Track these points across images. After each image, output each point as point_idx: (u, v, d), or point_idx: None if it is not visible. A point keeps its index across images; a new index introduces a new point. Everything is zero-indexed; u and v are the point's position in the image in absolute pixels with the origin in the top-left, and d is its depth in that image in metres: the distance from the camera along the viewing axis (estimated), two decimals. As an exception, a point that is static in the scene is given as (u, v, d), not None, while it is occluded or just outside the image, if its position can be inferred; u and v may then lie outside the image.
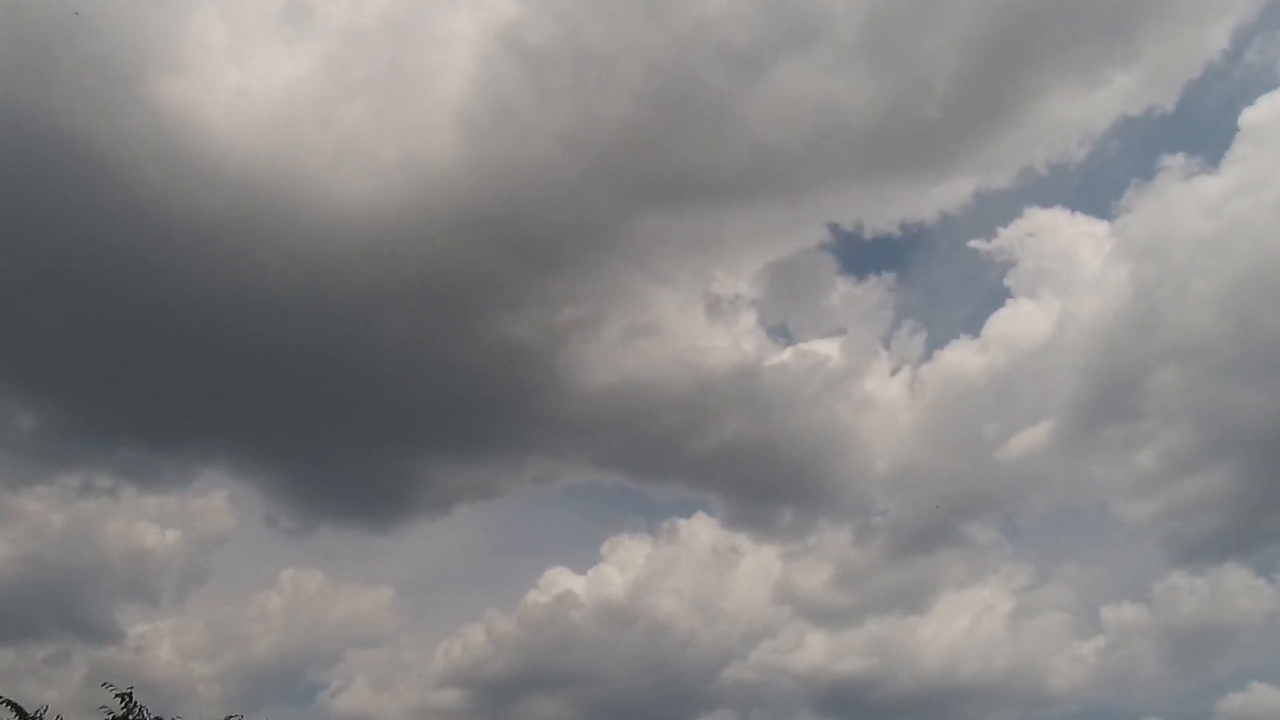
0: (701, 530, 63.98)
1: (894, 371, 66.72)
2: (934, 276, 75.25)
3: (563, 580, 58.87)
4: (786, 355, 64.73)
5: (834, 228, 65.43)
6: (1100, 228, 65.11)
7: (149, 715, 17.31)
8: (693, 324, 63.13)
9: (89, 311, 48.43)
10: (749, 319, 66.05)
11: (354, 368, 54.77)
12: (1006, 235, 65.63)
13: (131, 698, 17.22)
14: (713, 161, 55.68)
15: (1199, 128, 69.78)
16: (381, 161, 50.06)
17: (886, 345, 68.24)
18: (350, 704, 54.26)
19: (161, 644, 53.27)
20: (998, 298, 68.35)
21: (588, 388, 59.95)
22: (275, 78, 48.92)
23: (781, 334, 71.96)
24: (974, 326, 75.27)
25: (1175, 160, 62.63)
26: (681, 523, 65.45)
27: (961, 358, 64.12)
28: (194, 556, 58.77)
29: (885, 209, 64.51)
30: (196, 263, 47.99)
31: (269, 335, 51.18)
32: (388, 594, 62.22)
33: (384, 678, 56.99)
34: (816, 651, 56.41)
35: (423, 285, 53.14)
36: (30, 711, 16.85)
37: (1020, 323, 62.98)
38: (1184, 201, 58.33)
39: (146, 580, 57.00)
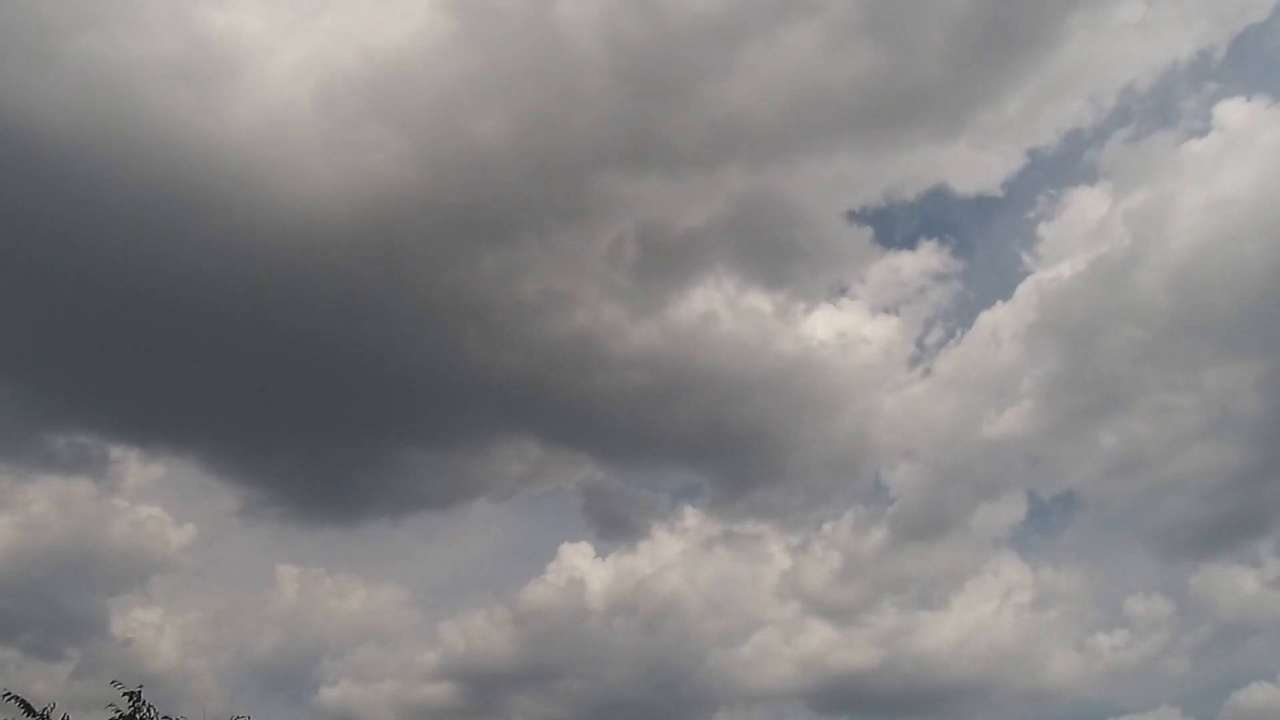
0: (697, 518, 63.52)
1: (904, 344, 65.99)
2: (950, 246, 73.09)
3: (557, 573, 58.63)
4: (778, 319, 62.78)
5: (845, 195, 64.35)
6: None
7: (157, 714, 17.35)
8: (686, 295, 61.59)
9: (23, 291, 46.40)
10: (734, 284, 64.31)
11: (298, 349, 53.59)
12: (1031, 205, 65.72)
13: (140, 696, 17.23)
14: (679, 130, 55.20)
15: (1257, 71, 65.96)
16: (330, 134, 48.76)
17: (898, 314, 67.48)
18: (342, 700, 53.83)
19: (147, 638, 52.82)
20: (1026, 270, 66.79)
21: (565, 365, 59.47)
22: (213, 43, 47.22)
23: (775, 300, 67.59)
24: (994, 301, 72.86)
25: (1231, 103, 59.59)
26: (672, 512, 65.21)
27: (979, 332, 63.65)
28: (165, 549, 56.87)
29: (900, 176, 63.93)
30: (133, 237, 46.33)
31: (210, 314, 49.70)
32: (376, 588, 61.86)
33: (374, 673, 56.22)
34: (819, 644, 55.67)
35: (381, 264, 52.12)
36: (38, 709, 16.78)
37: (1040, 297, 61.42)
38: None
39: (119, 574, 55.73)
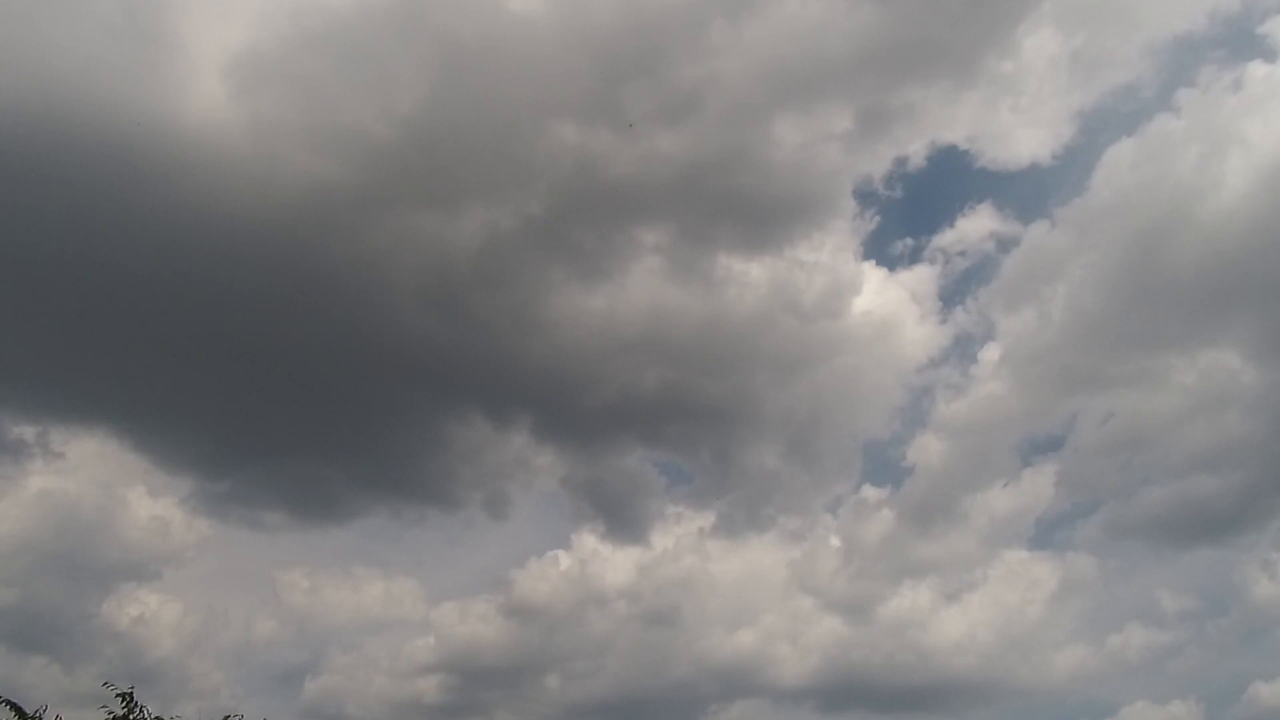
0: (695, 507, 60.92)
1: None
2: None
3: (551, 566, 56.70)
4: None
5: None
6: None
7: (149, 714, 17.44)
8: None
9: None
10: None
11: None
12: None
13: (132, 697, 17.32)
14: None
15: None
16: (267, 100, 46.20)
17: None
18: (333, 695, 52.38)
19: (130, 632, 50.92)
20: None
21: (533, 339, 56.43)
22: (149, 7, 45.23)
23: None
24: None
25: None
26: (668, 499, 62.10)
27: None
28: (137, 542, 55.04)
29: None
30: (80, 219, 44.55)
31: (147, 293, 47.60)
32: (358, 583, 59.50)
33: (365, 669, 54.64)
34: (820, 636, 53.44)
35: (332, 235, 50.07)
36: (29, 711, 16.82)
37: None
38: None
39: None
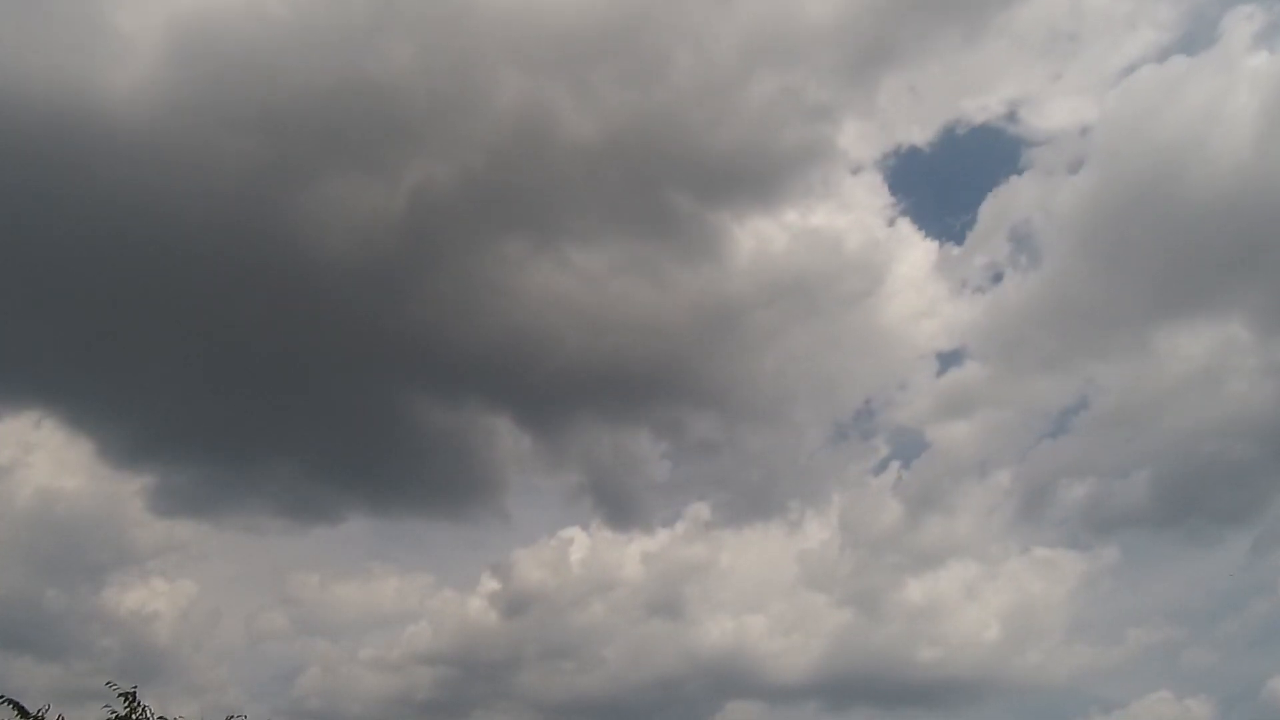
0: (692, 499, 61.12)
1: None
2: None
3: (533, 554, 56.81)
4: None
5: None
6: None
7: (152, 714, 17.32)
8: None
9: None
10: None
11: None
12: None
13: (135, 696, 17.19)
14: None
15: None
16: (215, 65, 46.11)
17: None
18: (320, 692, 52.41)
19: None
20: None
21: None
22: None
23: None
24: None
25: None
26: (664, 486, 61.25)
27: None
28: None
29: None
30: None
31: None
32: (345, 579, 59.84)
33: (348, 664, 54.90)
34: (830, 629, 53.04)
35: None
36: (32, 710, 16.72)
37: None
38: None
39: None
